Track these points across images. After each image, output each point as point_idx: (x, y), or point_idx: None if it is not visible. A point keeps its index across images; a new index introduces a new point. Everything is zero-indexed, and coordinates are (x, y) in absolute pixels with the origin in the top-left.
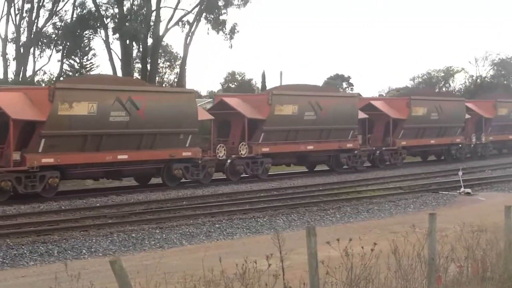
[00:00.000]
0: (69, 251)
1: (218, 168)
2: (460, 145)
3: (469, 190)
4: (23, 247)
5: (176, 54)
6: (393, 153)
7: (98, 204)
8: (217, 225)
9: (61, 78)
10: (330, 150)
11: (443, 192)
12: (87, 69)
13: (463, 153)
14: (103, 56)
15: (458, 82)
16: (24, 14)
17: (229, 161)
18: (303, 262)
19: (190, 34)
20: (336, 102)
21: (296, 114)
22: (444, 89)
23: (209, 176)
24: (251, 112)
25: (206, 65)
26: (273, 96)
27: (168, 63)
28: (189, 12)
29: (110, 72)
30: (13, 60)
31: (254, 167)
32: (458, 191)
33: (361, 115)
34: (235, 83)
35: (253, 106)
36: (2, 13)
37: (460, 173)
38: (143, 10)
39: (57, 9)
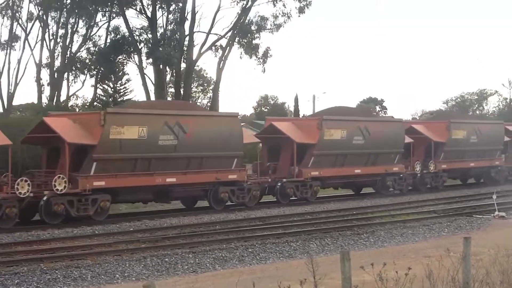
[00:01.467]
0: (102, 276)
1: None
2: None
3: (503, 214)
4: (56, 271)
5: (209, 79)
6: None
7: (131, 229)
8: (250, 250)
9: (95, 103)
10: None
11: (477, 216)
12: (121, 94)
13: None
14: (137, 81)
15: (491, 105)
16: (58, 40)
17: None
18: (337, 287)
19: (223, 59)
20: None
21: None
22: (477, 112)
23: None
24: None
25: (239, 89)
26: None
27: (201, 87)
28: (222, 37)
29: (144, 97)
30: (47, 85)
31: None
32: (492, 215)
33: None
34: (267, 107)
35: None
36: (36, 39)
37: (494, 196)
38: (176, 35)
39: (91, 34)
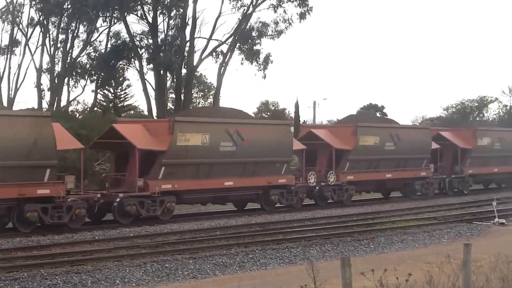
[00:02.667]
0: (102, 282)
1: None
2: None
3: (503, 221)
4: (56, 277)
5: (210, 84)
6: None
7: (131, 234)
8: (250, 255)
9: (95, 109)
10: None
11: (477, 222)
12: (121, 99)
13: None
14: (137, 86)
15: (491, 112)
16: (59, 45)
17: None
18: None
19: (223, 64)
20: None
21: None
22: (478, 119)
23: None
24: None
25: (239, 94)
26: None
27: (201, 93)
28: (223, 43)
29: (144, 103)
30: (48, 91)
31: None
32: (492, 221)
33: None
34: (268, 113)
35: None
36: (37, 44)
37: (494, 203)
38: (177, 41)
39: (92, 40)
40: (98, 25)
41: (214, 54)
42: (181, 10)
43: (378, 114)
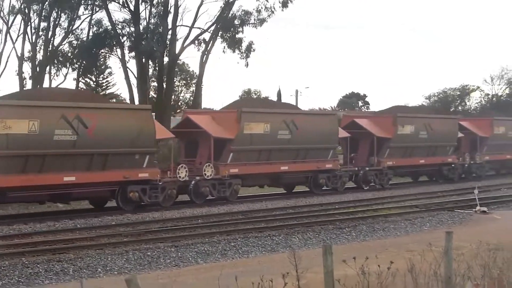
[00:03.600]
0: (84, 270)
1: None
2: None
3: (485, 209)
4: (38, 265)
5: (192, 73)
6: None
7: (113, 223)
8: (232, 244)
9: None
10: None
11: (459, 211)
12: (103, 87)
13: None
14: (119, 74)
15: (474, 101)
16: (40, 33)
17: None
18: (320, 280)
19: (206, 53)
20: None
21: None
22: (459, 108)
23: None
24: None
25: (222, 83)
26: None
27: (184, 82)
28: (205, 31)
29: (126, 91)
30: (29, 79)
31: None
32: (474, 210)
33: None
34: None
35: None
36: (18, 32)
37: (476, 191)
38: (159, 29)
39: (73, 28)
40: (80, 13)
41: (196, 42)
42: None
43: (360, 103)
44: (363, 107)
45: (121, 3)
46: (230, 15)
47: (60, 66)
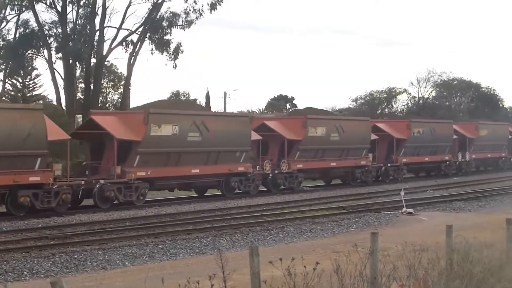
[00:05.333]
0: (10, 273)
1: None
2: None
3: (411, 210)
4: None
5: (120, 74)
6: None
7: (39, 225)
8: (160, 246)
9: (4, 98)
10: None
11: (386, 212)
12: (30, 89)
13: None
14: (46, 76)
15: (400, 103)
16: None
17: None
18: (247, 282)
19: (134, 54)
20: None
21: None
22: (386, 110)
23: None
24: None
25: (151, 85)
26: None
27: (112, 83)
28: (133, 32)
29: (53, 92)
30: None
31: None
32: (400, 211)
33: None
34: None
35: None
36: None
37: (402, 193)
38: (86, 30)
39: (0, 28)
40: (6, 13)
41: (124, 43)
42: None
43: (288, 106)
44: (291, 110)
45: (48, 3)
46: (158, 16)
47: None
